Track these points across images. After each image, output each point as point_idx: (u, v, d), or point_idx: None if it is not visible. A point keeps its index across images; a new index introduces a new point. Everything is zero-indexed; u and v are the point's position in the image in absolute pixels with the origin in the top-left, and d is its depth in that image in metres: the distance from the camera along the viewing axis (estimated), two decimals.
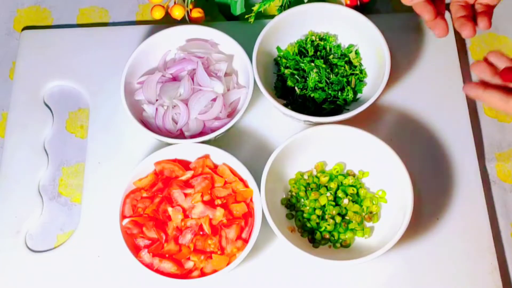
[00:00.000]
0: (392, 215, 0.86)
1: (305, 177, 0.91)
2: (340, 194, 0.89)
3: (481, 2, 0.83)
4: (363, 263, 0.81)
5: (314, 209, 0.89)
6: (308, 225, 0.89)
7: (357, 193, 0.90)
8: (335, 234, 0.88)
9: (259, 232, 0.84)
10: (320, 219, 0.89)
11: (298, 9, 0.96)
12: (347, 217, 0.89)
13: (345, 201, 0.89)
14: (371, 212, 0.89)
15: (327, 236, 0.88)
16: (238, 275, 0.88)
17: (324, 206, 0.89)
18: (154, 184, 0.89)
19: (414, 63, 1.00)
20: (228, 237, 0.85)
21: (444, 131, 0.95)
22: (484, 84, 0.76)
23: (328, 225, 0.87)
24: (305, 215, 0.89)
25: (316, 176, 0.91)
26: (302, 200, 0.90)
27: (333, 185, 0.90)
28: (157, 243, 0.85)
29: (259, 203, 0.85)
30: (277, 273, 0.89)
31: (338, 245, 0.88)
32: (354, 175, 0.91)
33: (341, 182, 0.91)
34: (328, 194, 0.89)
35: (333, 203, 0.89)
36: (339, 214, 0.88)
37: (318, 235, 0.88)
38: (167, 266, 0.84)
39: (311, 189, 0.90)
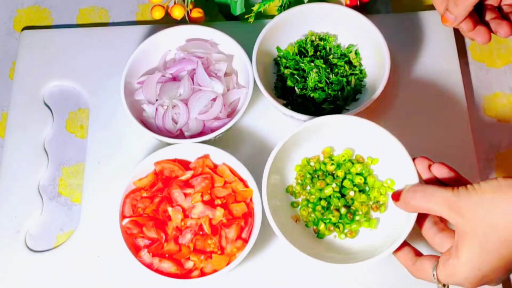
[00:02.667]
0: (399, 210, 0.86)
1: (312, 163, 0.90)
2: (346, 184, 0.88)
3: (507, 3, 0.83)
4: (369, 264, 0.80)
5: (320, 199, 0.87)
6: (313, 215, 0.88)
7: (365, 181, 0.88)
8: (340, 225, 0.87)
9: (259, 232, 0.84)
10: (325, 210, 0.87)
11: (298, 9, 0.95)
12: (353, 207, 0.87)
13: (351, 193, 0.87)
14: (378, 202, 0.88)
15: (332, 228, 0.87)
16: (238, 275, 0.88)
17: (329, 196, 0.87)
18: (154, 184, 0.89)
19: (413, 63, 1.00)
20: (228, 237, 0.85)
21: (444, 131, 0.95)
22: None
23: (333, 216, 0.86)
24: (310, 205, 0.88)
25: (323, 163, 0.90)
26: (308, 187, 0.89)
27: (340, 173, 0.88)
28: (157, 243, 0.85)
29: (259, 203, 0.85)
30: (277, 273, 0.89)
31: (343, 235, 0.87)
32: (362, 162, 0.90)
33: (349, 170, 0.89)
34: (334, 185, 0.87)
35: (339, 195, 0.87)
36: (344, 205, 0.87)
37: (323, 227, 0.87)
38: (167, 266, 0.84)
39: (317, 176, 0.89)
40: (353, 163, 0.89)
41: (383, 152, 0.88)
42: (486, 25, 0.83)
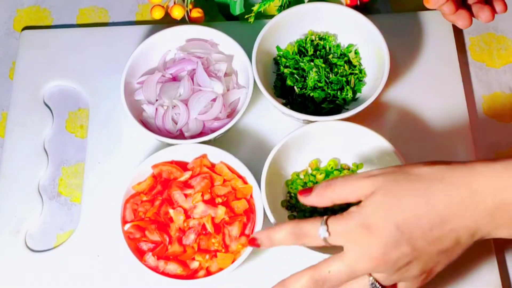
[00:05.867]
0: None
1: (301, 176, 0.92)
2: None
3: None
4: None
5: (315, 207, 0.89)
6: None
7: None
8: None
9: (262, 227, 0.84)
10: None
11: (298, 8, 0.96)
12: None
13: None
14: None
15: None
16: (244, 272, 0.88)
17: None
18: (153, 187, 0.89)
19: (413, 63, 1.00)
20: (232, 234, 0.85)
21: (443, 131, 0.96)
22: None
23: None
24: (306, 214, 0.89)
25: (312, 174, 0.91)
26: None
27: None
28: (161, 245, 0.85)
29: (260, 198, 0.85)
30: (283, 268, 0.88)
31: None
32: (349, 169, 0.92)
33: None
34: None
35: None
36: (341, 208, 0.87)
37: None
38: (173, 267, 0.84)
39: None
40: (340, 171, 0.91)
41: (368, 156, 0.90)
42: (469, 9, 0.83)
